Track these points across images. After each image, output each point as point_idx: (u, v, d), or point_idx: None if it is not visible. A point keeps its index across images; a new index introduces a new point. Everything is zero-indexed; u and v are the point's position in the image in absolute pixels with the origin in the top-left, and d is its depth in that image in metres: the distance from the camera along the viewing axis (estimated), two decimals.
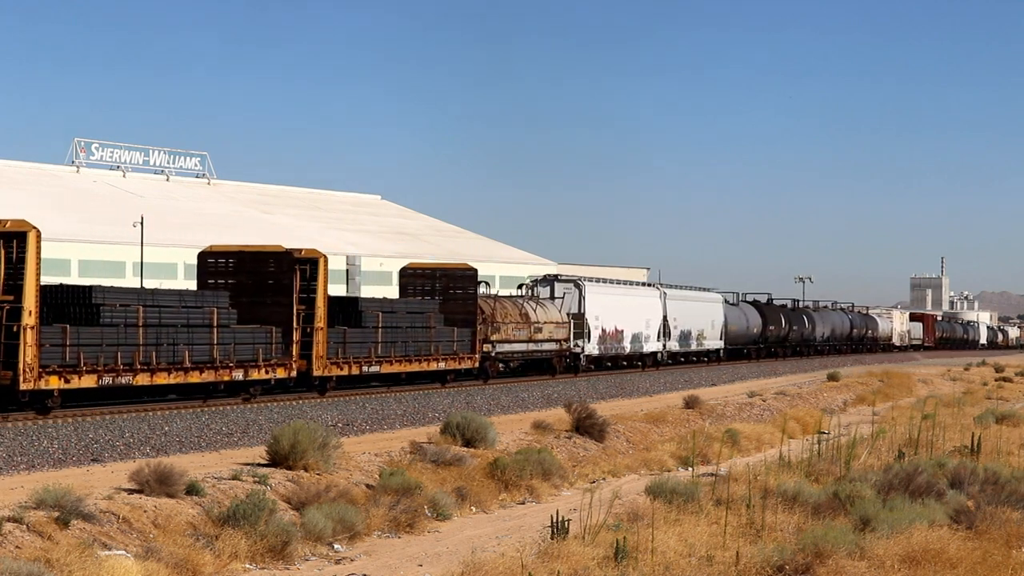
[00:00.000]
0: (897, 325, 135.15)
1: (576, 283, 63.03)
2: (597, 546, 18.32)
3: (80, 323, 33.70)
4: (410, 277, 52.67)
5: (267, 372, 38.97)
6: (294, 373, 40.11)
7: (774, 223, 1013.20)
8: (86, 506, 18.24)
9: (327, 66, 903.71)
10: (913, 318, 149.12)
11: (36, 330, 31.79)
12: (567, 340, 59.12)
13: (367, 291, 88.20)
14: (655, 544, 18.19)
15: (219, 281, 41.01)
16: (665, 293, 74.00)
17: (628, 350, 68.07)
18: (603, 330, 64.37)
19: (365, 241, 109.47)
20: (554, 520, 19.36)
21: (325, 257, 41.58)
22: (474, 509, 24.68)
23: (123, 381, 34.25)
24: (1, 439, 27.59)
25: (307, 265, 41.21)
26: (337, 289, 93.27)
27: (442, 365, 48.51)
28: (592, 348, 63.04)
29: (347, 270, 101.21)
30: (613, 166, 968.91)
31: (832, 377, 65.12)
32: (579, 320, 61.02)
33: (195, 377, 36.58)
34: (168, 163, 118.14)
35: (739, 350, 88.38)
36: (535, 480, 26.69)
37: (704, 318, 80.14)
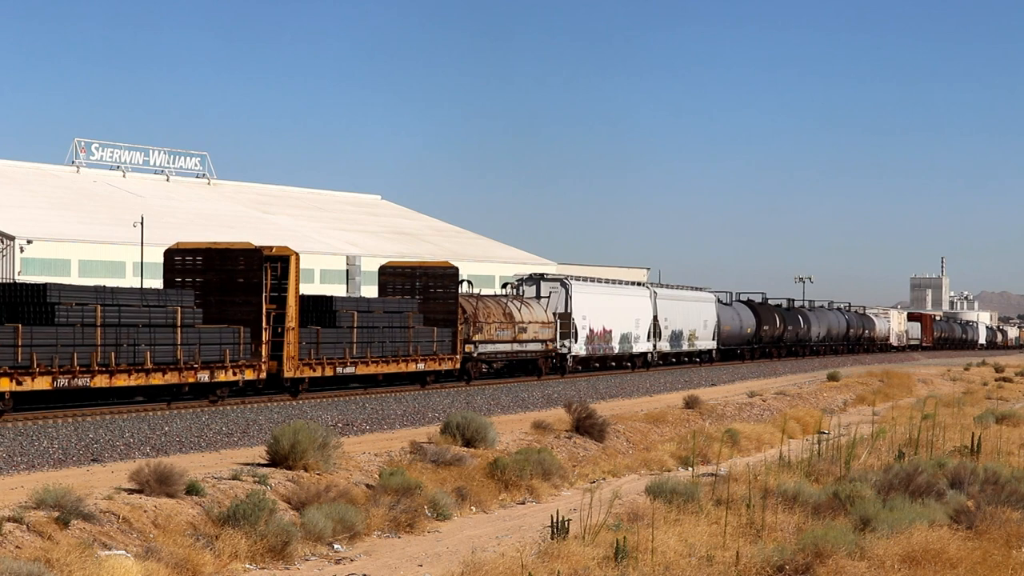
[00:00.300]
0: (895, 325, 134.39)
1: (562, 282, 61.86)
2: (597, 546, 18.33)
3: (34, 323, 32.47)
4: (389, 276, 51.27)
5: (235, 374, 37.62)
6: (263, 375, 38.75)
7: (774, 223, 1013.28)
8: (86, 506, 18.24)
9: (327, 66, 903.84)
10: (911, 318, 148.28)
11: None
12: (553, 340, 57.93)
13: (367, 291, 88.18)
14: (655, 544, 18.20)
15: (186, 279, 39.72)
16: (655, 292, 72.86)
17: (617, 350, 66.77)
18: (591, 330, 63.12)
19: (365, 241, 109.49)
20: (554, 520, 19.36)
21: (297, 255, 40.41)
22: (474, 509, 24.68)
23: (80, 383, 32.90)
24: (1, 439, 27.59)
25: (278, 263, 39.95)
26: (337, 289, 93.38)
27: (421, 366, 47.04)
28: (579, 348, 61.75)
29: (347, 270, 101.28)
30: (613, 166, 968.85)
31: (832, 377, 65.10)
32: (566, 320, 59.75)
33: (157, 379, 35.23)
34: (168, 163, 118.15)
35: (732, 350, 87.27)
36: (535, 480, 26.70)
37: (696, 318, 78.89)
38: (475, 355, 51.44)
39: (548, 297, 59.89)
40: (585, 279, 68.18)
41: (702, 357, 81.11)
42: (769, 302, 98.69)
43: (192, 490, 20.34)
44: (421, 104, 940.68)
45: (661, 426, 38.42)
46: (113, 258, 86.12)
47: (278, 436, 24.00)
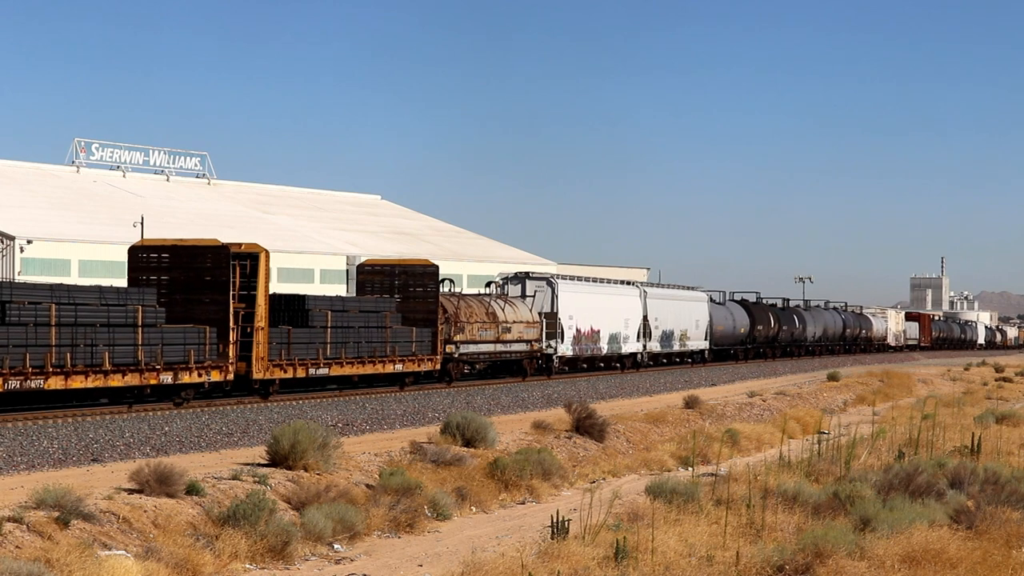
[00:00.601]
0: (892, 325, 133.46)
1: (549, 281, 60.49)
2: (597, 546, 18.32)
3: None
4: (367, 274, 49.73)
5: (200, 375, 36.34)
6: (231, 376, 37.55)
7: (774, 223, 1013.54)
8: (86, 506, 18.24)
9: (327, 66, 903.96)
10: (909, 317, 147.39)
11: None
12: (539, 341, 56.53)
13: None
14: (655, 544, 18.19)
15: (151, 277, 38.13)
16: (645, 292, 71.42)
17: (605, 351, 65.32)
18: (578, 330, 61.72)
19: (365, 241, 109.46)
20: (554, 520, 19.36)
21: (267, 252, 39.40)
22: (474, 509, 24.67)
23: (33, 385, 31.68)
24: (1, 439, 27.59)
25: (247, 260, 38.85)
26: (337, 289, 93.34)
27: (399, 367, 45.67)
28: (566, 349, 60.31)
29: (347, 270, 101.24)
30: (613, 166, 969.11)
31: (832, 377, 65.08)
32: (552, 320, 58.34)
33: (116, 380, 33.93)
34: (168, 163, 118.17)
35: (726, 351, 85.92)
36: (535, 480, 26.69)
37: (688, 318, 77.49)
38: (456, 356, 50.16)
39: (533, 296, 58.47)
40: (572, 278, 66.97)
41: (694, 358, 79.68)
42: (764, 301, 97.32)
43: (192, 490, 20.34)
44: (421, 104, 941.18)
45: (661, 426, 38.41)
46: (113, 258, 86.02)
47: (278, 436, 24.01)
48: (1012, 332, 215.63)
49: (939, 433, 34.12)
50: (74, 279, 77.48)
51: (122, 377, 34.17)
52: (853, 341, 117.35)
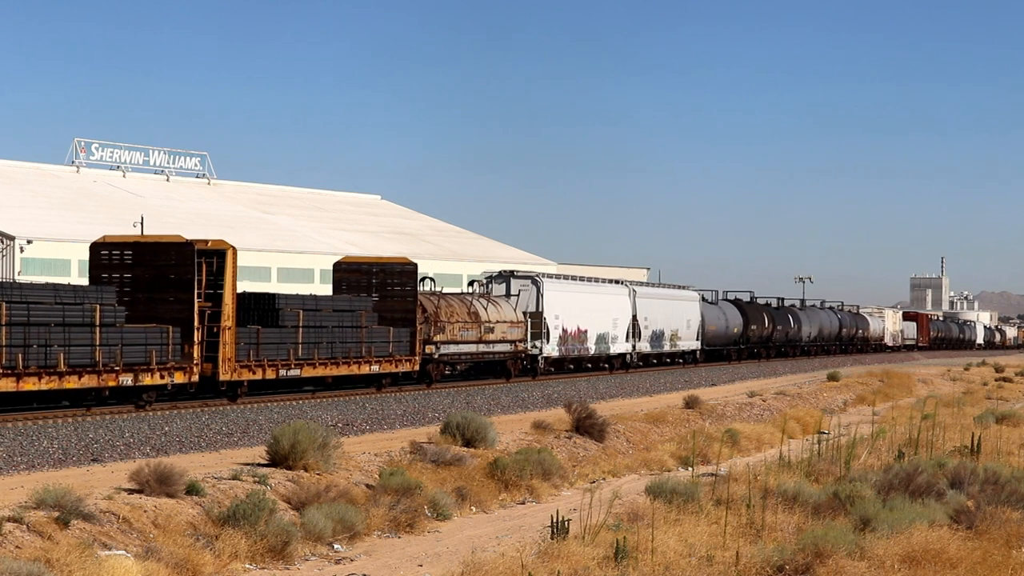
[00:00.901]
0: (889, 325, 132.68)
1: (534, 279, 58.93)
2: (597, 546, 18.33)
3: None
4: (344, 272, 48.46)
5: (163, 376, 35.10)
6: (195, 377, 36.32)
7: (774, 223, 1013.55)
8: (86, 506, 18.24)
9: (327, 66, 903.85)
10: (907, 317, 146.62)
11: None
12: (523, 341, 55.23)
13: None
14: (655, 544, 18.19)
15: (114, 275, 36.81)
16: (635, 291, 69.85)
17: (593, 351, 63.87)
18: (564, 330, 60.34)
19: (365, 241, 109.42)
20: (554, 520, 19.36)
21: (234, 249, 38.09)
22: (474, 509, 24.68)
23: None
24: (1, 439, 27.59)
25: (213, 258, 37.63)
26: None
27: (375, 368, 44.25)
28: (551, 350, 59.01)
29: None
30: (613, 166, 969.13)
31: (832, 377, 65.09)
32: (537, 319, 57.01)
33: (72, 382, 32.74)
34: (168, 163, 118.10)
35: (718, 351, 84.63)
36: (535, 480, 26.70)
37: (679, 317, 76.19)
38: (436, 356, 48.71)
39: (518, 295, 57.09)
40: (559, 276, 65.95)
41: (685, 358, 78.32)
42: (758, 301, 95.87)
43: (192, 490, 20.34)
44: (421, 104, 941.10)
45: (661, 426, 38.41)
46: None
47: (278, 436, 24.01)
48: (1011, 332, 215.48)
49: (939, 433, 34.12)
50: (74, 279, 77.37)
51: (78, 379, 32.97)
52: (850, 341, 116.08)
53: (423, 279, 50.55)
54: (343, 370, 42.80)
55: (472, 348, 51.43)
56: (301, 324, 41.00)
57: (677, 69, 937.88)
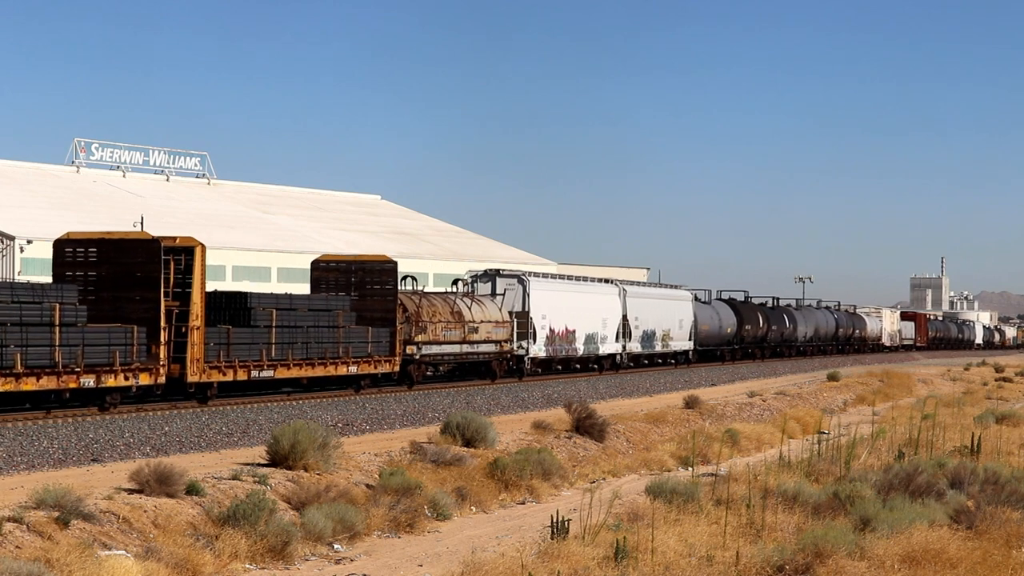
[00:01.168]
0: (887, 324, 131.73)
1: (520, 278, 57.63)
2: (597, 546, 18.33)
3: None
4: (322, 271, 46.75)
5: (127, 378, 33.93)
6: (162, 379, 35.13)
7: (774, 223, 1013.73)
8: (86, 506, 18.24)
9: (327, 66, 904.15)
10: (905, 317, 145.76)
11: None
12: (509, 341, 53.87)
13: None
14: (655, 544, 18.19)
15: (78, 273, 35.63)
16: (625, 290, 68.65)
17: (581, 352, 62.53)
18: (551, 330, 59.07)
19: (365, 241, 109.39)
20: (554, 520, 19.36)
21: (203, 246, 37.09)
22: (474, 509, 24.68)
23: None
24: (1, 439, 27.59)
25: (181, 255, 36.57)
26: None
27: (353, 369, 42.92)
28: (538, 350, 57.74)
29: None
30: (613, 166, 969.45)
31: (832, 377, 65.08)
32: (523, 319, 55.69)
33: (30, 384, 31.58)
34: (168, 163, 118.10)
35: (712, 351, 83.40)
36: (535, 480, 26.70)
37: (671, 317, 74.62)
38: (418, 357, 47.30)
39: (504, 294, 55.78)
40: (546, 276, 64.91)
41: (677, 359, 77.03)
42: (752, 300, 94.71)
43: (192, 490, 20.34)
44: (421, 104, 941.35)
45: (661, 426, 38.42)
46: None
47: (278, 436, 24.01)
48: (1011, 332, 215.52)
49: (939, 433, 34.12)
50: None
51: (36, 380, 31.90)
52: (847, 341, 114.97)
53: (404, 278, 49.64)
54: (319, 371, 41.64)
55: (455, 349, 50.16)
56: (274, 324, 39.89)
57: (677, 69, 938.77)
